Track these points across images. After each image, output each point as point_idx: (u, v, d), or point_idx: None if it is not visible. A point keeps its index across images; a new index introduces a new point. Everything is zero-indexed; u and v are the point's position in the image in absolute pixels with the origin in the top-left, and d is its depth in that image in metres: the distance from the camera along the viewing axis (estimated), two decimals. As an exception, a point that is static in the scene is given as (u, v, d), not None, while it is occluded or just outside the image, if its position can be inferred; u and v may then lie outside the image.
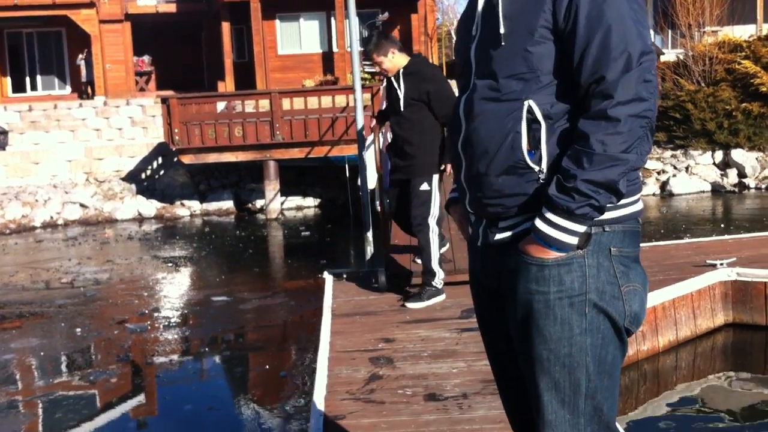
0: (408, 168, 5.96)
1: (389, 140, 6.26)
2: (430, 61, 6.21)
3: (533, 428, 2.10)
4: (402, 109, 5.93)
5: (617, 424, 3.79)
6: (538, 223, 1.97)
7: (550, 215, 1.94)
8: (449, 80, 5.96)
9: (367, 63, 6.07)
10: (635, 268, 2.05)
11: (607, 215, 1.99)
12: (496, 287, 2.15)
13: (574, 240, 1.95)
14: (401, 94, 5.93)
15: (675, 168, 16.91)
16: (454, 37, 2.32)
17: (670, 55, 19.85)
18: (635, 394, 5.97)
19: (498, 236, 2.08)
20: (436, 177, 5.94)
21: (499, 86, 2.02)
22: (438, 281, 6.03)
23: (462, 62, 2.14)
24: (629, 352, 6.04)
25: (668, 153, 17.37)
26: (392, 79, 6.00)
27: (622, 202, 2.00)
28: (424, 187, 5.88)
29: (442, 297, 6.05)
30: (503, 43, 2.00)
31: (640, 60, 1.88)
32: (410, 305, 5.99)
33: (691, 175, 16.59)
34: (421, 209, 5.89)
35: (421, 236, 5.93)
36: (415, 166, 5.91)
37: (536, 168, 1.97)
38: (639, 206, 2.07)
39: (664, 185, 16.49)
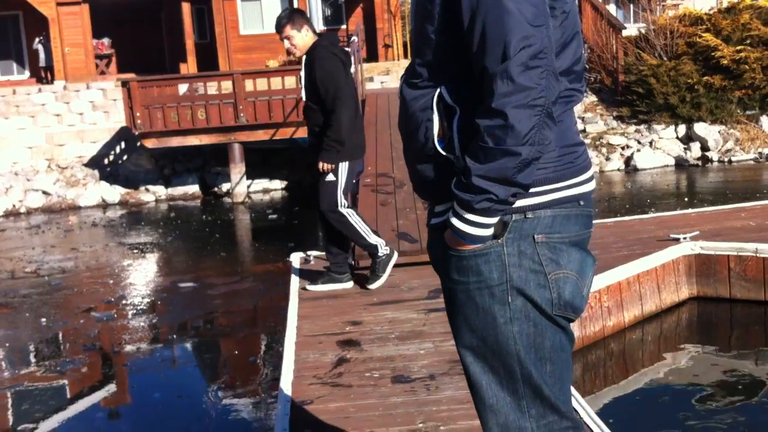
0: (316, 157, 5.85)
1: None
2: (336, 45, 5.89)
3: (479, 415, 2.11)
4: (303, 95, 5.79)
5: (580, 401, 3.83)
6: (451, 217, 1.95)
7: (458, 209, 1.92)
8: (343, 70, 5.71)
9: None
10: (571, 253, 2.00)
11: (528, 201, 1.95)
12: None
13: (485, 232, 1.93)
14: (300, 80, 5.84)
15: (639, 143, 17.03)
16: None
17: (632, 29, 19.93)
18: (602, 371, 6.03)
19: (433, 221, 2.09)
20: (341, 166, 5.78)
21: (416, 72, 2.02)
22: (382, 250, 5.98)
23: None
24: (594, 329, 6.10)
25: (632, 128, 17.49)
26: (303, 62, 5.80)
27: (549, 187, 1.96)
28: (330, 177, 5.80)
29: (395, 256, 6.08)
30: (415, 30, 2.02)
31: (520, 45, 1.78)
32: (372, 286, 6.02)
33: (654, 150, 16.72)
34: (328, 198, 5.82)
35: (337, 221, 5.86)
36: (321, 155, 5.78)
37: (450, 156, 1.96)
38: (579, 189, 2.02)
39: (628, 160, 16.62)
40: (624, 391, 5.64)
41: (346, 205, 5.87)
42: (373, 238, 5.92)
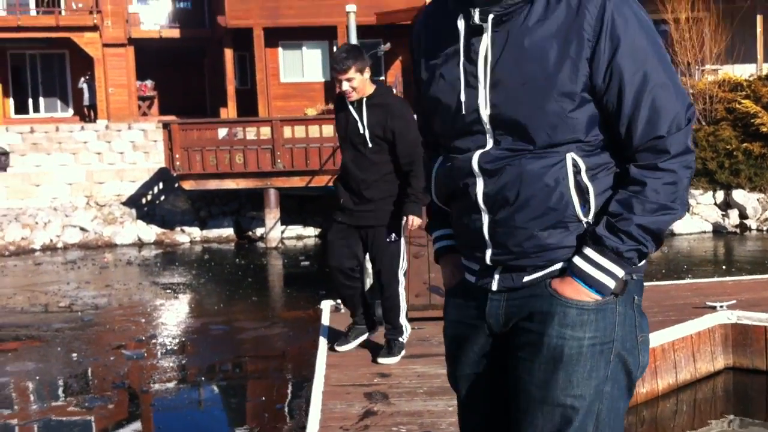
0: (367, 214, 5.26)
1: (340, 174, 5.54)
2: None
3: None
4: (368, 145, 5.17)
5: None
6: (579, 262, 1.95)
7: (594, 255, 1.93)
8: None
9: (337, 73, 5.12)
10: (645, 318, 2.07)
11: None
12: (505, 332, 2.09)
13: (612, 283, 1.96)
14: (365, 129, 5.16)
15: (675, 206, 16.92)
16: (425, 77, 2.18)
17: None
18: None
19: (527, 278, 2.03)
20: (402, 224, 5.31)
21: (533, 142, 1.96)
22: (405, 336, 5.56)
23: (459, 115, 2.02)
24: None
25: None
26: (351, 106, 5.19)
27: None
28: (394, 237, 5.27)
29: (402, 351, 5.60)
30: (533, 107, 1.94)
31: (687, 114, 1.93)
32: (384, 361, 5.50)
33: (692, 215, 16.59)
34: (392, 261, 5.31)
35: (391, 290, 5.36)
36: (380, 213, 5.23)
37: (585, 220, 1.97)
38: None
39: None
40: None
41: (404, 271, 5.41)
42: (405, 321, 5.53)
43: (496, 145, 1.99)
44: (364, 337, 5.74)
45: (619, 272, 1.94)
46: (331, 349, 5.76)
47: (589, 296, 1.95)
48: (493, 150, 1.99)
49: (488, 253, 2.05)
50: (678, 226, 16.13)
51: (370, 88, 5.17)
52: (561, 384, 1.98)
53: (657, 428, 6.08)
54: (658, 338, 6.16)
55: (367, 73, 5.11)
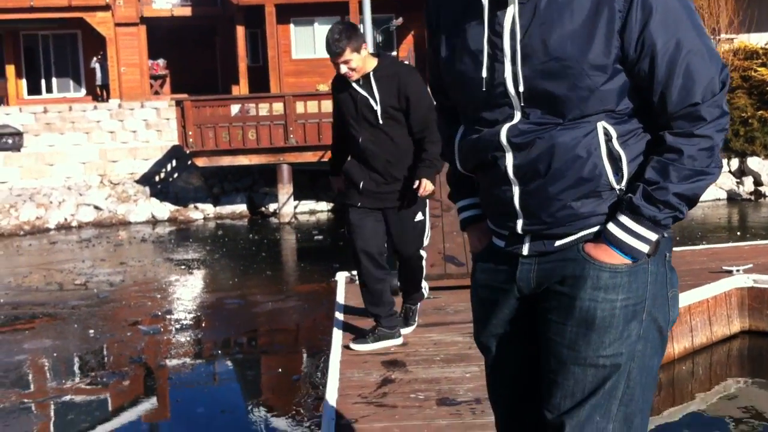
0: (391, 195, 5.01)
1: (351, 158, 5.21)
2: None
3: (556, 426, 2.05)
4: (380, 121, 4.90)
5: None
6: (614, 230, 1.94)
7: (630, 223, 1.93)
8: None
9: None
10: (675, 273, 2.06)
11: None
12: (535, 295, 2.07)
13: (647, 248, 1.95)
14: (377, 103, 4.87)
15: (690, 175, 16.84)
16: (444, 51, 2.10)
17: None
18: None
19: (559, 242, 2.01)
20: (427, 202, 5.18)
21: (563, 116, 1.93)
22: (428, 293, 5.61)
23: (485, 89, 1.98)
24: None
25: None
26: (357, 84, 4.89)
27: None
28: (419, 217, 5.07)
29: (417, 318, 5.55)
30: (565, 81, 1.89)
31: (721, 77, 1.91)
32: (404, 330, 5.35)
33: (706, 182, 16.48)
34: (417, 241, 5.14)
35: (417, 266, 5.24)
36: (406, 193, 4.98)
37: (618, 187, 1.96)
38: None
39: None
40: (671, 422, 5.52)
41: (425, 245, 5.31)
42: (423, 282, 5.42)
43: (524, 118, 1.95)
44: (389, 343, 5.23)
45: (654, 237, 1.94)
46: (346, 346, 5.31)
47: (623, 261, 1.95)
48: (522, 123, 1.96)
49: (519, 222, 2.03)
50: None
51: (372, 62, 4.88)
52: (593, 345, 1.97)
53: (674, 391, 6.08)
54: (673, 303, 6.14)
55: (364, 50, 4.80)
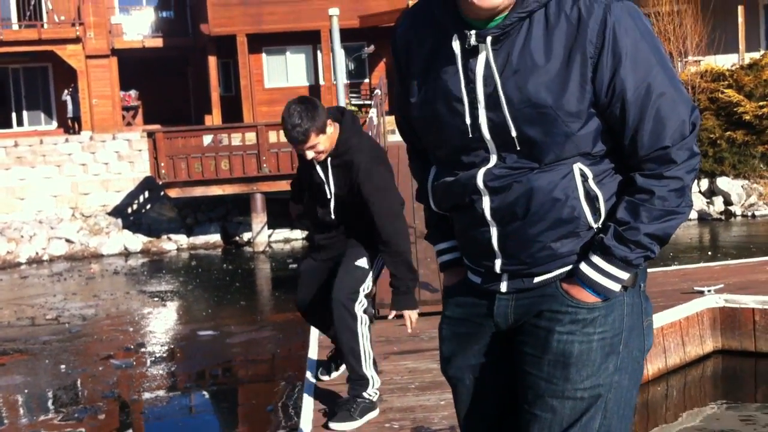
0: (340, 243, 4.37)
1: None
2: (368, 137, 4.45)
3: None
4: (332, 208, 4.28)
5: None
6: (587, 270, 1.95)
7: (602, 263, 1.94)
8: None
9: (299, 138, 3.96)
10: (649, 302, 2.08)
11: None
12: (512, 329, 2.07)
13: (618, 287, 1.97)
14: (330, 193, 4.23)
15: (661, 196, 17.00)
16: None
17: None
18: (648, 415, 5.92)
19: (538, 279, 2.01)
20: (378, 256, 4.30)
21: (539, 161, 1.93)
22: (373, 391, 4.32)
23: (460, 133, 1.96)
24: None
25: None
26: (317, 165, 4.20)
27: None
28: (362, 263, 4.24)
29: (376, 412, 4.36)
30: (540, 127, 1.89)
31: (691, 119, 1.91)
32: (337, 426, 4.26)
33: (677, 203, 16.66)
34: (348, 287, 4.20)
35: (339, 319, 4.18)
36: (353, 241, 4.31)
37: (596, 226, 1.97)
38: None
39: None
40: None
41: (365, 308, 4.27)
42: (371, 370, 4.28)
43: (500, 161, 1.95)
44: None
45: (625, 276, 1.95)
46: (316, 377, 4.98)
47: (596, 300, 1.97)
48: (497, 168, 1.95)
49: (498, 262, 2.02)
50: (665, 217, 16.16)
51: (334, 139, 4.14)
52: (572, 379, 1.97)
53: (648, 413, 6.08)
54: (663, 318, 6.19)
55: (329, 128, 4.07)
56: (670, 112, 1.89)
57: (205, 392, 8.31)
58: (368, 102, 23.85)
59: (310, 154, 4.07)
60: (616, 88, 1.87)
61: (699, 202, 16.69)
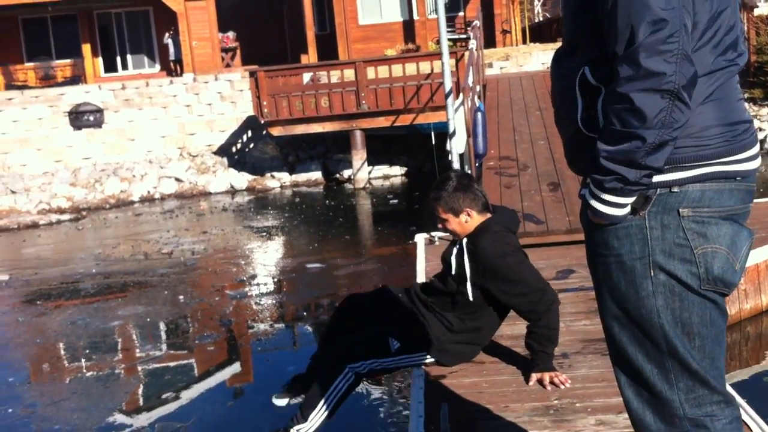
0: (420, 312, 4.22)
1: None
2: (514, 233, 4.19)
3: (621, 390, 2.15)
4: (445, 282, 4.18)
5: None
6: (587, 195, 2.01)
7: (593, 188, 1.98)
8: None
9: None
10: (721, 227, 1.97)
11: (675, 176, 1.95)
12: None
13: (619, 211, 1.96)
14: (454, 271, 4.09)
15: (772, 125, 16.34)
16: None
17: (764, 8, 19.09)
18: (738, 354, 5.90)
19: (581, 191, 2.10)
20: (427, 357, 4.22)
21: (564, 51, 2.05)
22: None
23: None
24: (731, 312, 5.95)
25: (765, 110, 16.79)
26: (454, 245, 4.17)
27: (703, 163, 1.94)
28: (393, 343, 4.14)
29: None
30: (563, 12, 2.04)
31: (648, 30, 1.77)
32: None
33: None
34: (359, 353, 4.06)
35: (327, 370, 4.06)
36: (422, 324, 4.17)
37: (594, 135, 1.96)
38: (738, 166, 1.98)
39: (761, 143, 15.96)
40: (760, 374, 5.50)
41: (363, 372, 4.09)
42: (318, 419, 3.98)
43: (560, 54, 2.16)
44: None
45: (619, 200, 1.93)
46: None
47: (602, 222, 2.01)
48: (555, 59, 2.17)
49: None
50: (774, 146, 15.58)
51: (467, 229, 4.07)
52: (608, 299, 2.09)
53: (762, 343, 6.03)
54: (761, 254, 6.07)
55: (464, 216, 4.02)
56: (622, 14, 1.81)
57: (314, 323, 8.61)
58: (463, 36, 23.51)
59: (439, 225, 4.13)
60: None
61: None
